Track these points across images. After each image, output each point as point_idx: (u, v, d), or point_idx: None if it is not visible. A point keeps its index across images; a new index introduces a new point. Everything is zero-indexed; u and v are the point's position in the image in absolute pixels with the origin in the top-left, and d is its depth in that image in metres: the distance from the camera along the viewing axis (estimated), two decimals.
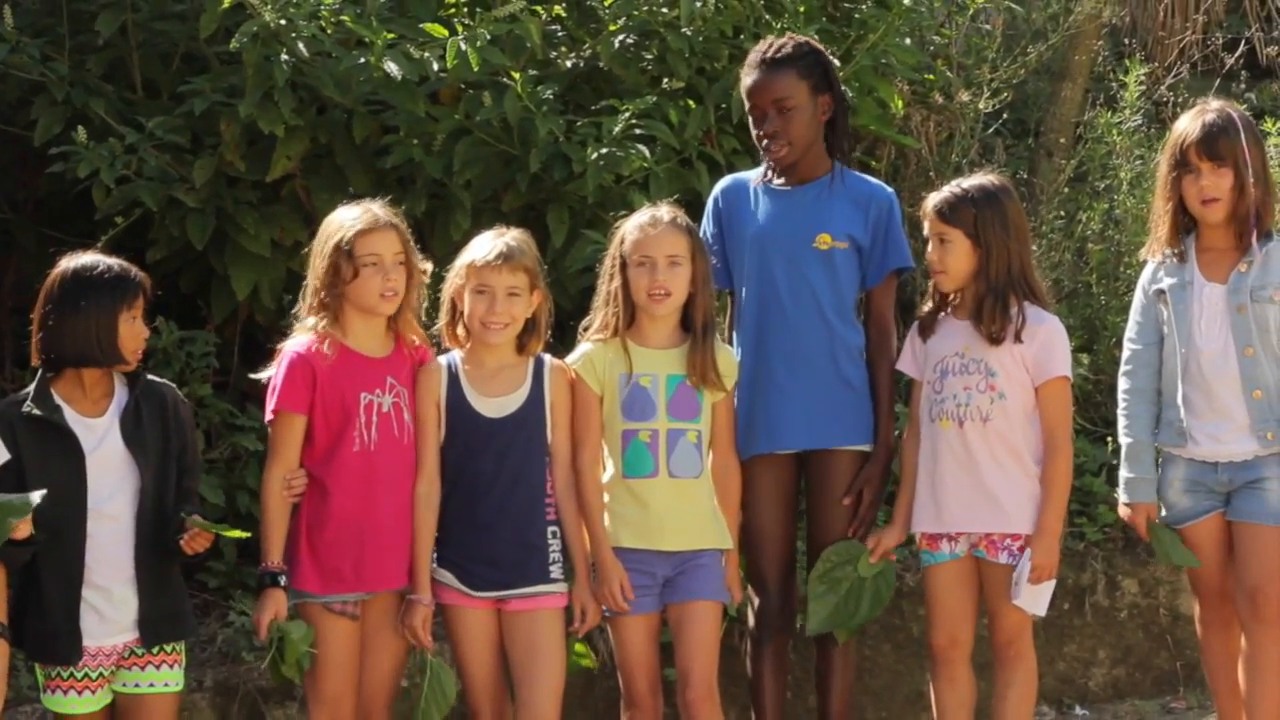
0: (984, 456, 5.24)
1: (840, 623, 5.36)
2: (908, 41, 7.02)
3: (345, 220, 5.03)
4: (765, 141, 5.42)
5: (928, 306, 5.42)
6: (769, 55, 5.42)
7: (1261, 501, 5.26)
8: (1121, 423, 5.44)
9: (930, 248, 5.31)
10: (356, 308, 5.01)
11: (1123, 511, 5.46)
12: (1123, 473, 5.43)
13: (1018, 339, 5.23)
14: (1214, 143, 5.26)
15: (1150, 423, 5.38)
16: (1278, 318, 5.26)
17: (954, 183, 5.36)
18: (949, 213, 5.26)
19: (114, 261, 4.87)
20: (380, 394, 5.01)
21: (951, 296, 5.35)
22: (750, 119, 5.48)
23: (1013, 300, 5.24)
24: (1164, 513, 5.41)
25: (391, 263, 5.00)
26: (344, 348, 5.00)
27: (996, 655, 5.31)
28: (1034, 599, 5.21)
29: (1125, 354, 5.45)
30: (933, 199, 5.33)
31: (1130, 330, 5.46)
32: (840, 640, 5.41)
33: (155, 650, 4.84)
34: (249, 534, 4.85)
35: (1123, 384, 5.44)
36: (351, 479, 4.97)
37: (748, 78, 5.45)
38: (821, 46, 5.56)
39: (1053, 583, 5.25)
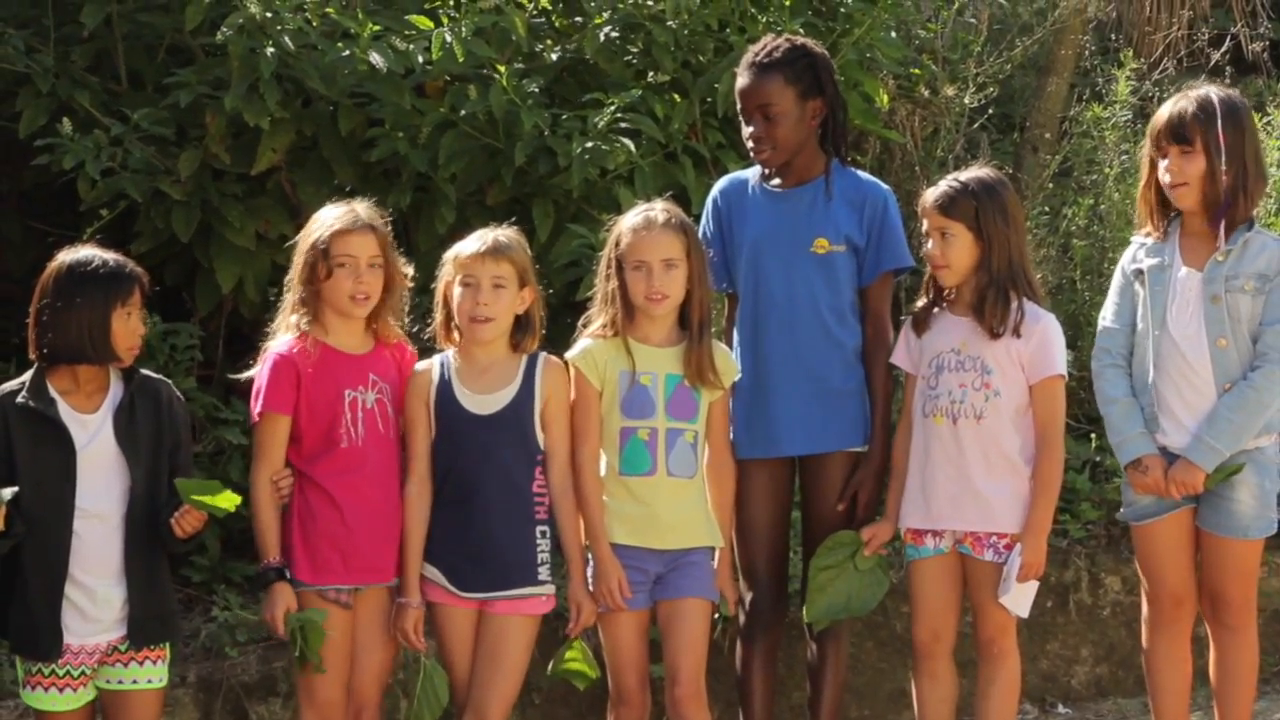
0: (975, 454, 5.22)
1: (837, 613, 5.36)
2: (893, 35, 7.02)
3: (327, 218, 5.02)
4: (750, 144, 5.43)
5: (923, 301, 5.39)
6: (759, 59, 5.40)
7: (1231, 515, 5.22)
8: (1102, 395, 5.34)
9: (930, 243, 5.28)
10: (331, 307, 5.01)
11: (1136, 482, 5.28)
12: (1115, 439, 5.32)
13: (1016, 334, 5.21)
14: (1180, 127, 5.20)
15: (1128, 386, 5.28)
16: (1250, 308, 5.19)
17: (950, 177, 5.33)
18: (950, 206, 5.23)
19: (110, 256, 4.84)
20: (363, 390, 5.00)
21: (948, 291, 5.33)
22: (741, 119, 5.48)
23: (1013, 295, 5.23)
24: (1124, 509, 5.37)
25: (365, 265, 4.99)
26: (325, 345, 4.99)
27: (980, 653, 5.31)
28: (1019, 598, 5.20)
29: (1099, 332, 5.39)
30: (931, 194, 5.29)
31: (1107, 310, 5.40)
32: (818, 628, 5.40)
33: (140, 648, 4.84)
34: (240, 499, 4.78)
35: (1097, 362, 5.36)
36: (341, 475, 4.97)
37: (739, 79, 5.44)
38: (819, 49, 5.50)
39: (1036, 583, 5.24)
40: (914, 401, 5.36)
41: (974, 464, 5.22)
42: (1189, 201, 5.23)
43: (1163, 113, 5.28)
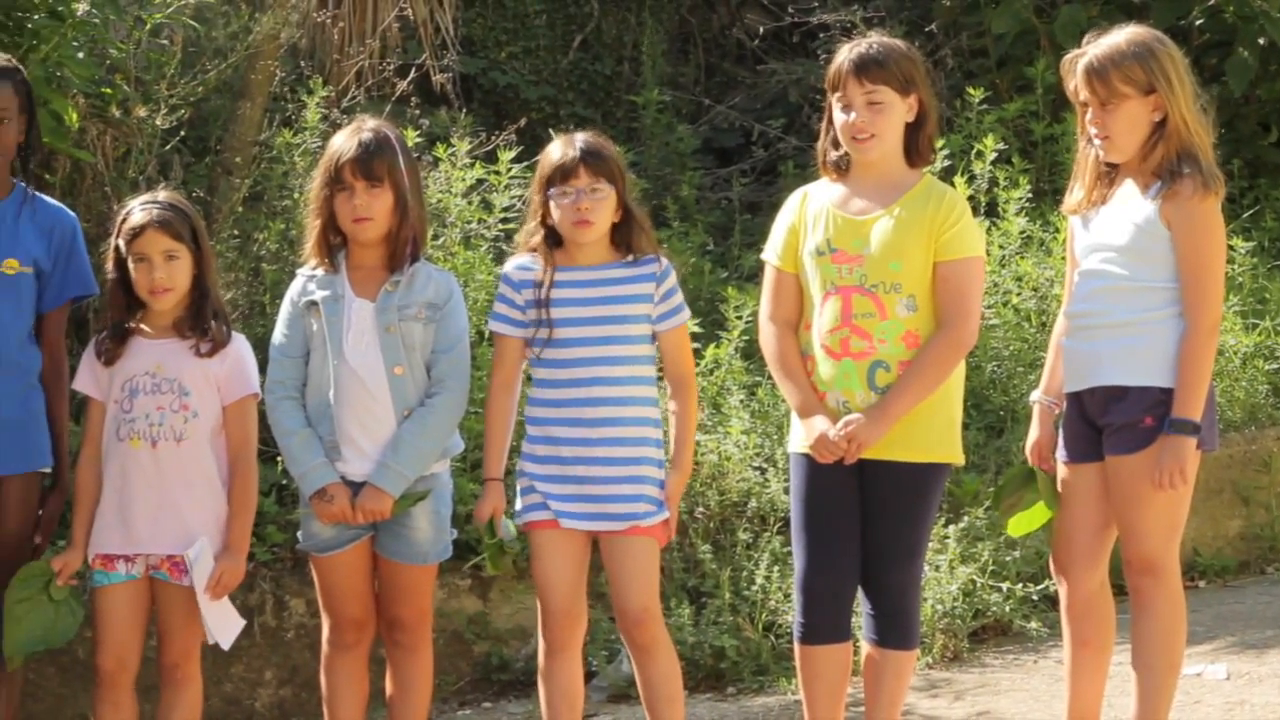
0: (175, 477, 5.27)
1: (35, 645, 5.28)
2: (83, 55, 6.93)
3: None
4: None
5: (105, 330, 5.38)
6: None
7: (410, 542, 5.37)
8: (279, 427, 5.35)
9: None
10: None
11: (322, 512, 5.30)
12: (296, 470, 5.33)
13: (210, 356, 5.31)
14: (369, 162, 5.29)
15: (304, 417, 5.32)
16: (422, 336, 5.34)
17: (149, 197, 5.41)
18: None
19: None
20: None
21: (139, 315, 5.37)
22: None
23: (211, 313, 5.35)
24: (304, 540, 5.43)
25: None
26: None
27: (164, 678, 5.33)
28: (222, 628, 5.30)
29: (271, 365, 5.42)
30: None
31: (278, 342, 5.42)
32: (13, 665, 5.31)
33: None
34: None
35: (271, 395, 5.38)
36: None
37: None
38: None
39: (240, 620, 5.38)
40: (105, 427, 5.33)
41: (175, 486, 5.26)
42: (370, 235, 5.32)
43: (344, 148, 5.31)
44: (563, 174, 5.34)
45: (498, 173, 8.02)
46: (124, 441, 5.30)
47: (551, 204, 5.36)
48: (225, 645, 5.36)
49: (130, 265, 5.33)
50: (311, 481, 5.32)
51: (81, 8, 6.77)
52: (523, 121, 8.98)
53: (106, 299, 5.45)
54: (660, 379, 5.50)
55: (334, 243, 5.42)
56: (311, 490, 5.33)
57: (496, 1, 10.85)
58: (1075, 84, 5.30)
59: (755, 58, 11.52)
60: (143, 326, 5.38)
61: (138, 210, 5.35)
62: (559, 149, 5.39)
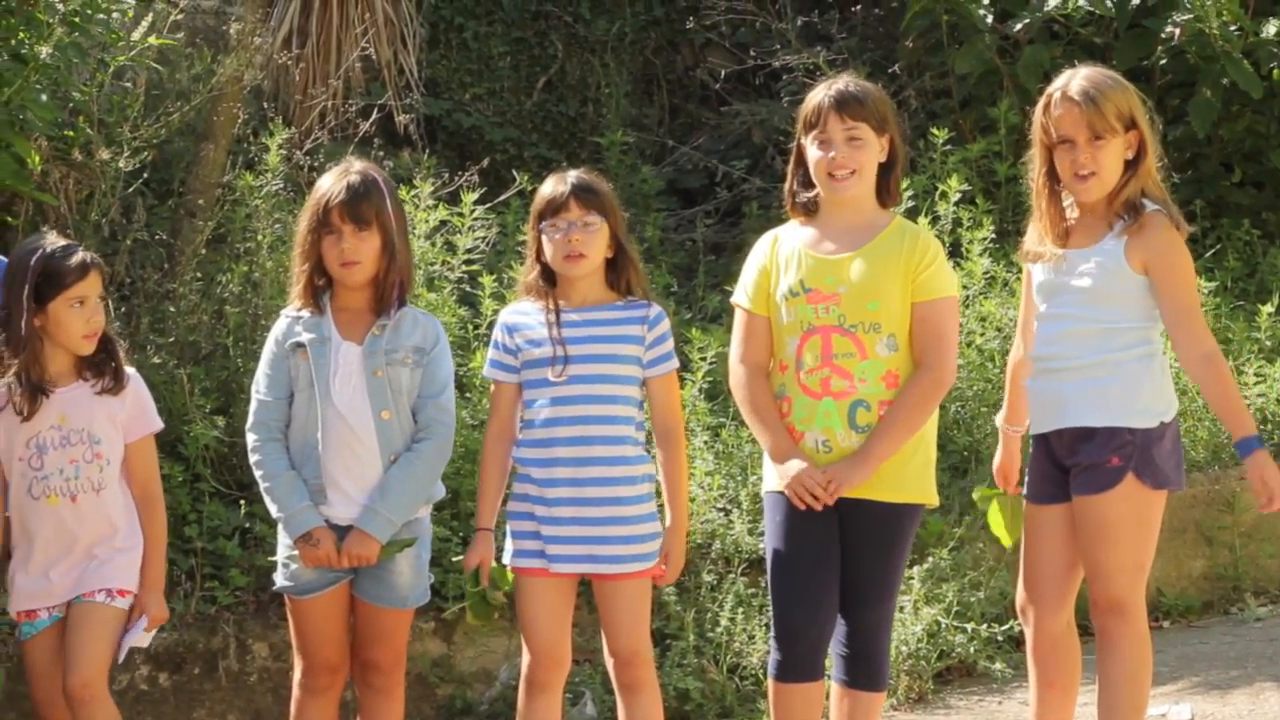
0: (100, 526, 5.28)
1: None
2: (45, 97, 6.91)
3: None
4: None
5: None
6: None
7: (391, 586, 5.33)
8: (264, 470, 5.29)
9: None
10: None
11: (307, 556, 5.27)
12: (281, 513, 5.29)
13: (114, 394, 5.31)
14: (357, 205, 5.23)
15: (288, 460, 5.28)
16: (409, 381, 5.31)
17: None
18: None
19: None
20: None
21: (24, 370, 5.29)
22: None
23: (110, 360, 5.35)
24: (284, 582, 5.38)
25: None
26: None
27: (76, 711, 5.28)
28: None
29: (254, 406, 5.37)
30: None
31: (260, 384, 5.37)
32: None
33: None
34: None
35: (255, 436, 5.33)
36: None
37: None
38: None
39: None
40: (13, 484, 5.28)
41: (100, 536, 5.29)
42: (359, 279, 5.29)
43: (332, 190, 5.27)
44: (554, 208, 5.35)
45: (461, 214, 8.00)
46: (39, 500, 5.24)
47: (544, 238, 5.36)
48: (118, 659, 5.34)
49: (58, 309, 5.23)
50: (297, 525, 5.27)
51: (45, 51, 6.75)
52: (486, 162, 8.98)
53: (18, 349, 5.24)
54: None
55: (319, 285, 5.37)
56: (297, 534, 5.28)
57: (461, 43, 10.84)
58: (1053, 120, 5.26)
59: (719, 99, 11.53)
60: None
61: (67, 254, 5.25)
62: (551, 184, 5.41)
